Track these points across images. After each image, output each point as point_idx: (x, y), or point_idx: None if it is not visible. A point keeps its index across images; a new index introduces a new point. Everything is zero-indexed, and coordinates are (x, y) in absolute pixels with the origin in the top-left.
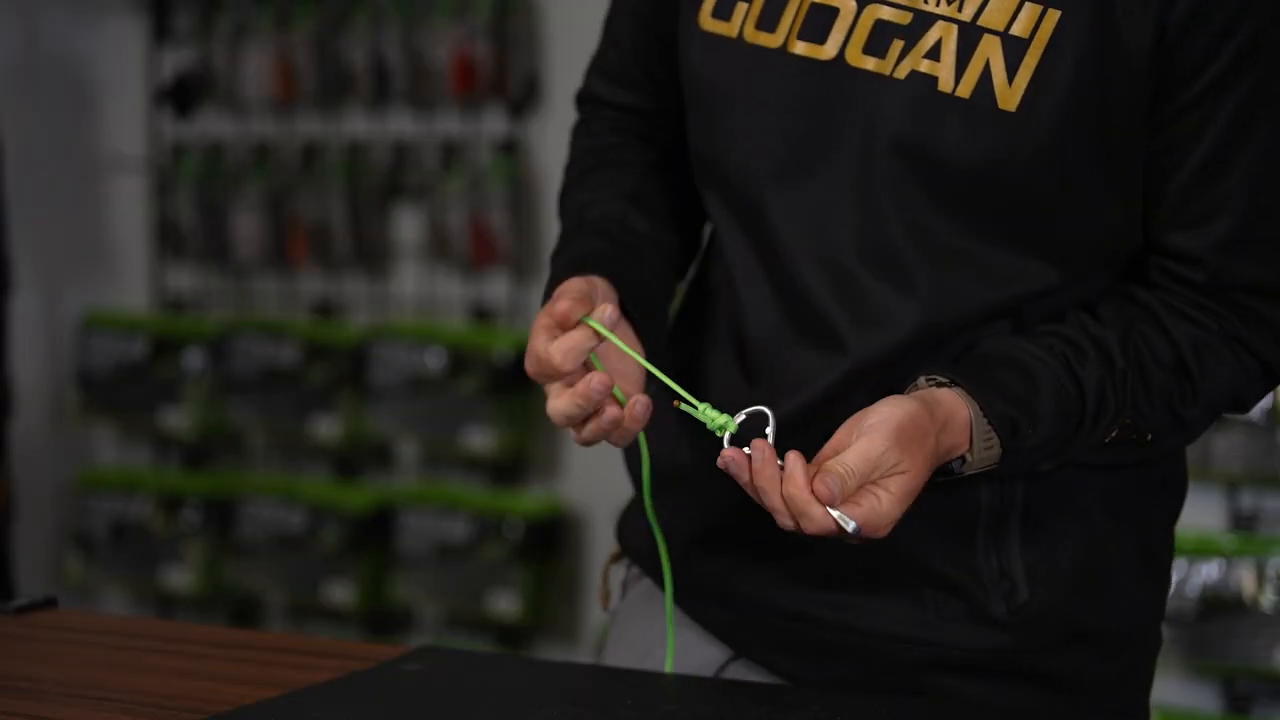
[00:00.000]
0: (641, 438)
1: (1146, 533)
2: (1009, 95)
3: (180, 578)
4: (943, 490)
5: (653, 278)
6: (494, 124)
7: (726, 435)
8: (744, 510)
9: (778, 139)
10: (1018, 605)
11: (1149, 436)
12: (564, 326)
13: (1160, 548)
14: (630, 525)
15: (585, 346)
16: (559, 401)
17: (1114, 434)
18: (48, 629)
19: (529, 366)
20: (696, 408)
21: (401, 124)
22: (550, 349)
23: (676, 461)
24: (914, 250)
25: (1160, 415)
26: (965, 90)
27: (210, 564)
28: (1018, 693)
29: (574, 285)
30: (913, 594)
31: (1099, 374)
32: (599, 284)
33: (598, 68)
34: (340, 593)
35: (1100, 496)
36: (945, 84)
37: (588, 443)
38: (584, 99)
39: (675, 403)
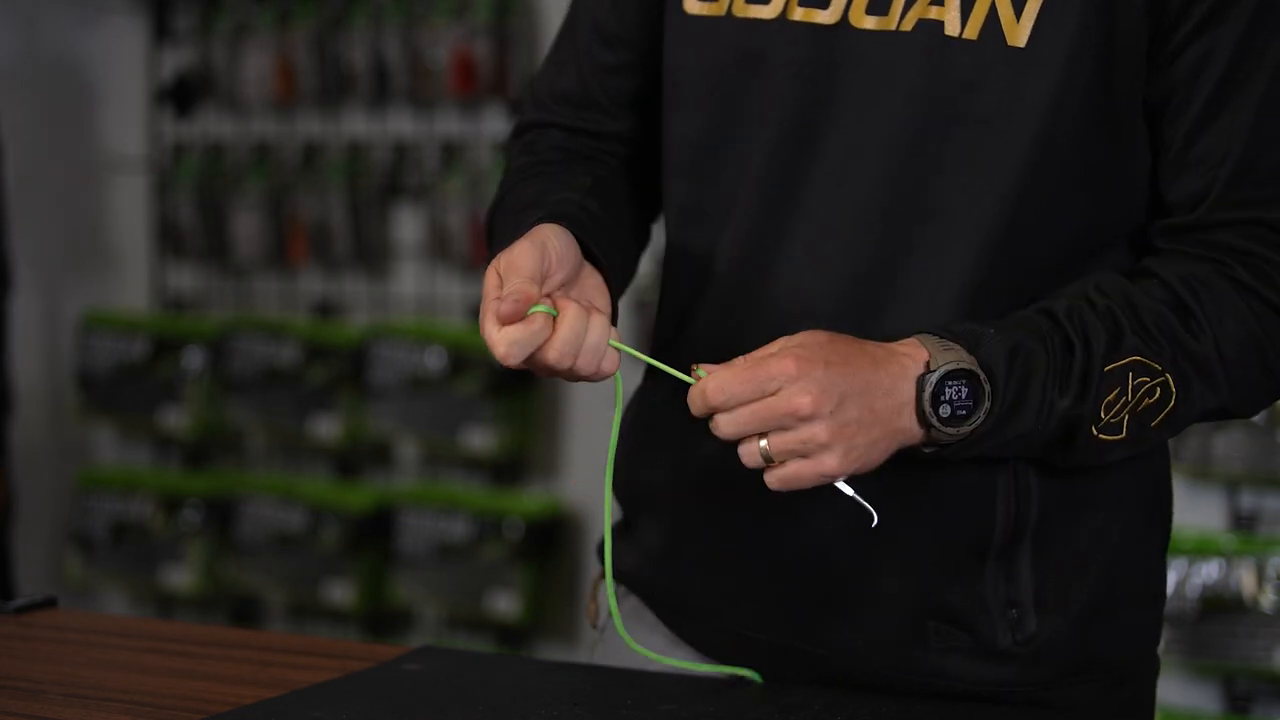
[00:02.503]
0: (618, 394)
1: (1147, 559)
2: (1017, 31)
3: (180, 578)
4: (960, 511)
5: (620, 232)
6: (494, 124)
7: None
8: (741, 536)
9: (783, 110)
10: (1025, 636)
11: (1172, 385)
12: (517, 310)
13: (1158, 573)
14: (613, 547)
15: (534, 344)
16: (514, 331)
17: (1126, 366)
18: (48, 629)
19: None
20: (673, 369)
21: (401, 124)
22: (495, 338)
23: (671, 484)
24: (931, 206)
25: (1168, 349)
26: (973, 31)
27: (210, 564)
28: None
29: (525, 259)
30: (915, 625)
31: (1068, 303)
32: (553, 245)
33: (548, 93)
34: (340, 593)
35: (1110, 521)
36: (952, 28)
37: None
38: (527, 127)
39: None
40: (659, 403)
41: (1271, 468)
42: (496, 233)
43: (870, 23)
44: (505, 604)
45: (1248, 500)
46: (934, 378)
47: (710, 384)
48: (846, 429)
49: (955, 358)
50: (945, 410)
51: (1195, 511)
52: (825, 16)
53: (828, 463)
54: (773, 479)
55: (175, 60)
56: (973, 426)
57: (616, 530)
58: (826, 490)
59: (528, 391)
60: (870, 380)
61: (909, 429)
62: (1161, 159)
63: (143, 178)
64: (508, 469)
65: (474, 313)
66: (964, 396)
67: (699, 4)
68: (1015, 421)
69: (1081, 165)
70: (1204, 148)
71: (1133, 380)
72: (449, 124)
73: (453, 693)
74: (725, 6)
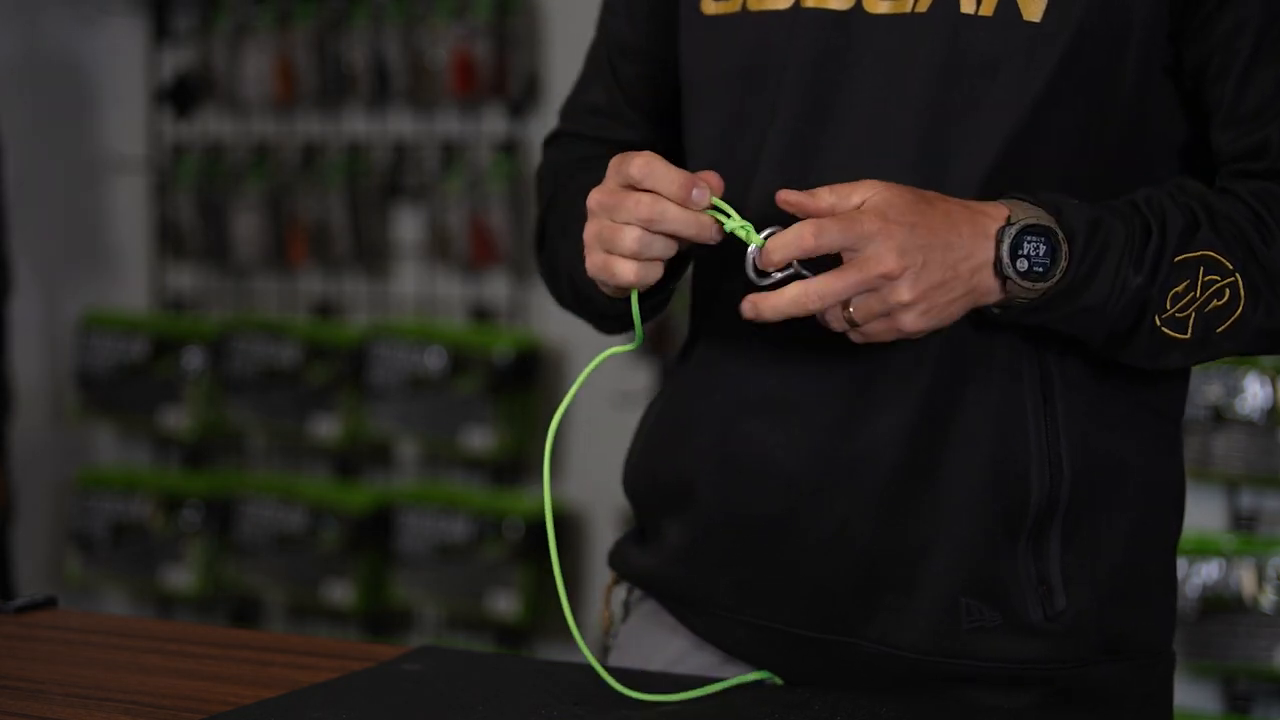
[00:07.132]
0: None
1: (1165, 546)
2: (1032, 6)
3: (180, 578)
4: (993, 493)
5: None
6: (494, 124)
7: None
8: (767, 526)
9: (798, 98)
10: (1055, 612)
11: (1241, 289)
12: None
13: (1173, 563)
14: (627, 553)
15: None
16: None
17: (1199, 259)
18: (48, 629)
19: (678, 183)
20: (739, 223)
21: (401, 124)
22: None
23: (694, 478)
24: (945, 181)
25: (1240, 254)
26: (988, 8)
27: (210, 564)
28: (1053, 707)
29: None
30: (947, 603)
31: (1149, 193)
32: None
33: (576, 106)
34: (340, 593)
35: (1134, 505)
36: (968, 6)
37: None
38: (556, 136)
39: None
40: (681, 397)
41: (1271, 468)
42: (560, 219)
43: (884, 6)
44: (505, 604)
45: (1248, 500)
46: (1014, 230)
47: (808, 227)
48: (930, 292)
49: (1037, 215)
50: (1023, 265)
51: (1195, 511)
52: (838, 3)
53: (906, 320)
54: (856, 336)
55: (175, 60)
56: (1049, 283)
57: (630, 537)
58: (858, 476)
59: (528, 391)
60: (951, 241)
61: (986, 286)
62: (1214, 118)
63: (143, 178)
64: (508, 469)
65: (474, 312)
66: (1042, 254)
67: (715, 4)
68: (1088, 291)
69: (1086, 135)
70: (1255, 102)
71: (1203, 275)
72: (449, 124)
73: (453, 693)
74: (740, 3)
